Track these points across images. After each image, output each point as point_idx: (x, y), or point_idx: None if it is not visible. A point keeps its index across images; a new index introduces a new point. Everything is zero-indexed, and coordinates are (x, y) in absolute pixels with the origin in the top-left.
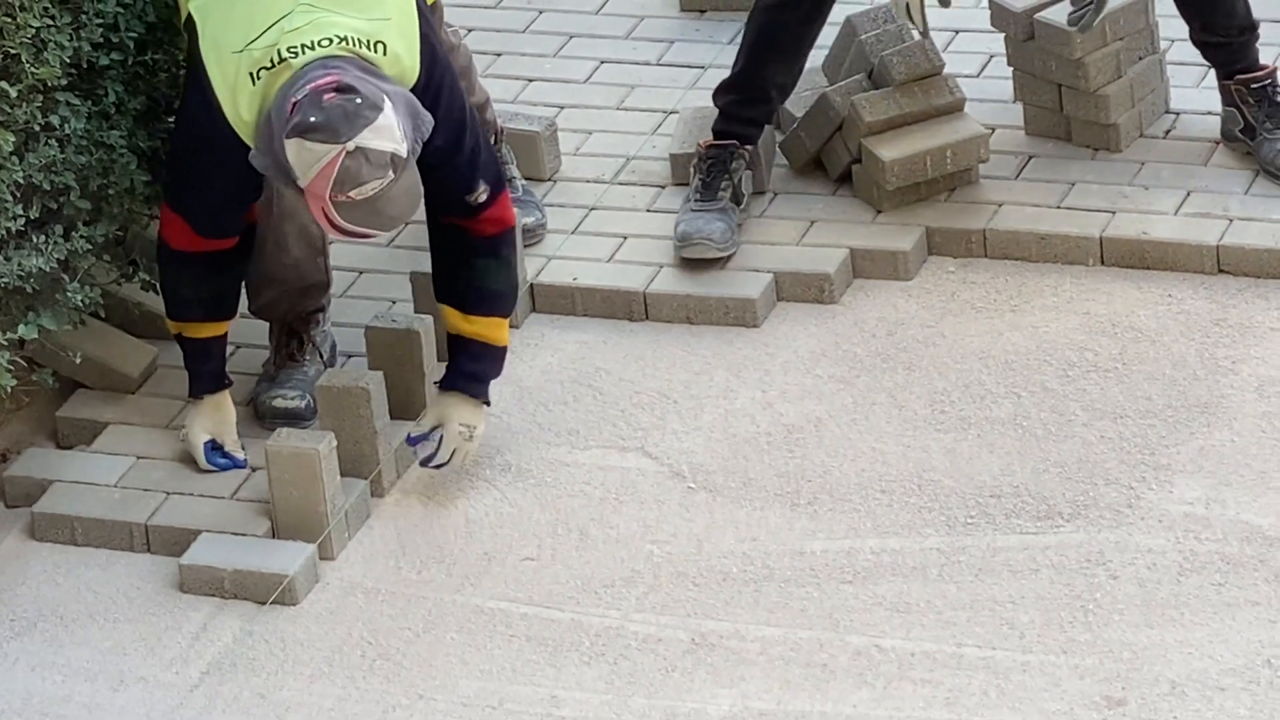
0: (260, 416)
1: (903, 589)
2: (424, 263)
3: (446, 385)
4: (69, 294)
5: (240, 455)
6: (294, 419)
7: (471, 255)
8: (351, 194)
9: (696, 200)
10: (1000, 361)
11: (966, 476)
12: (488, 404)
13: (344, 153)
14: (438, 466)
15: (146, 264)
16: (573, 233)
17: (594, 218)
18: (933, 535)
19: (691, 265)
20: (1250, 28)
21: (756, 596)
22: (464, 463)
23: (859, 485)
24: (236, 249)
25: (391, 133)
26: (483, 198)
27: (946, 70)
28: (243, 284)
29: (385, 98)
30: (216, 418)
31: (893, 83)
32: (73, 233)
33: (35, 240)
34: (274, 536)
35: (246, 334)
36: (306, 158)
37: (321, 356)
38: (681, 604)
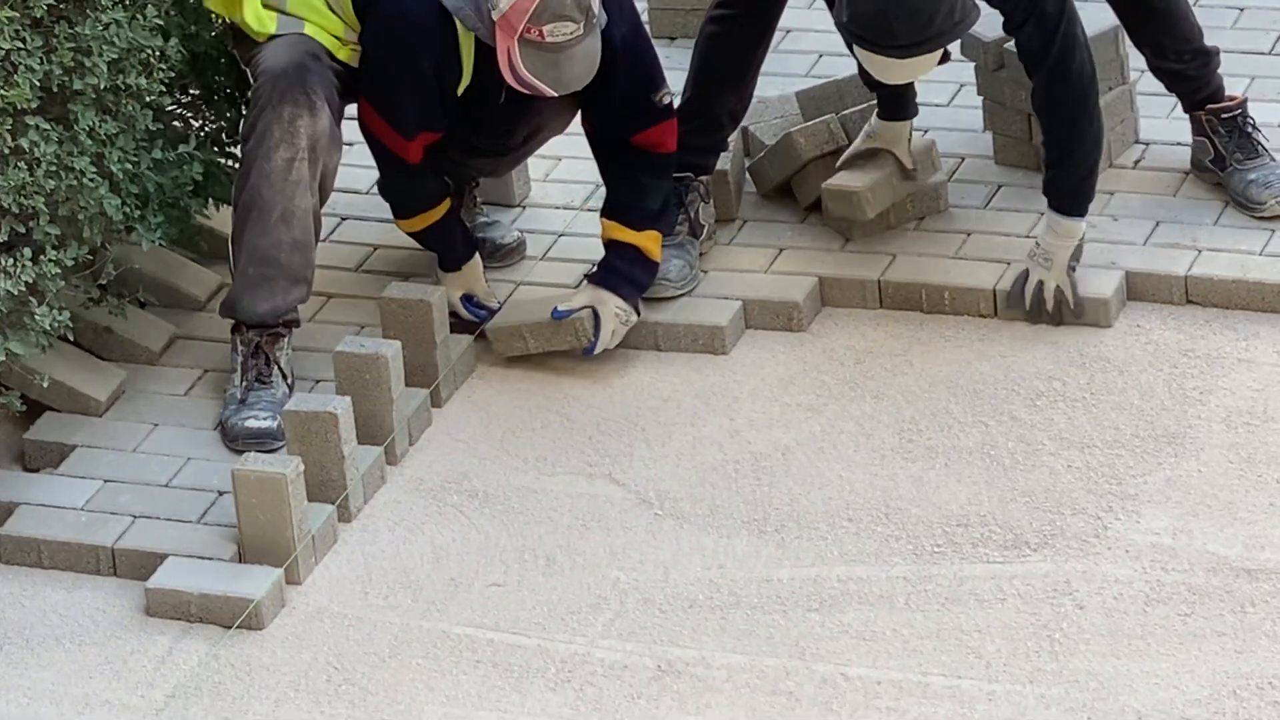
0: (232, 439)
1: (869, 617)
2: (389, 286)
3: (602, 282)
4: (37, 317)
5: (493, 303)
6: (267, 439)
7: (642, 173)
8: (545, 29)
9: None
10: (968, 391)
11: (934, 505)
12: (638, 313)
13: None
14: (589, 352)
15: (118, 289)
16: (541, 259)
17: (562, 244)
18: (900, 564)
19: None
20: (1203, 51)
21: (723, 624)
22: (611, 342)
23: (826, 513)
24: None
25: None
26: (666, 99)
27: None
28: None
29: None
30: (472, 275)
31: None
32: (41, 256)
33: (3, 263)
34: (240, 561)
35: (216, 359)
36: None
37: (286, 378)
38: (648, 631)
